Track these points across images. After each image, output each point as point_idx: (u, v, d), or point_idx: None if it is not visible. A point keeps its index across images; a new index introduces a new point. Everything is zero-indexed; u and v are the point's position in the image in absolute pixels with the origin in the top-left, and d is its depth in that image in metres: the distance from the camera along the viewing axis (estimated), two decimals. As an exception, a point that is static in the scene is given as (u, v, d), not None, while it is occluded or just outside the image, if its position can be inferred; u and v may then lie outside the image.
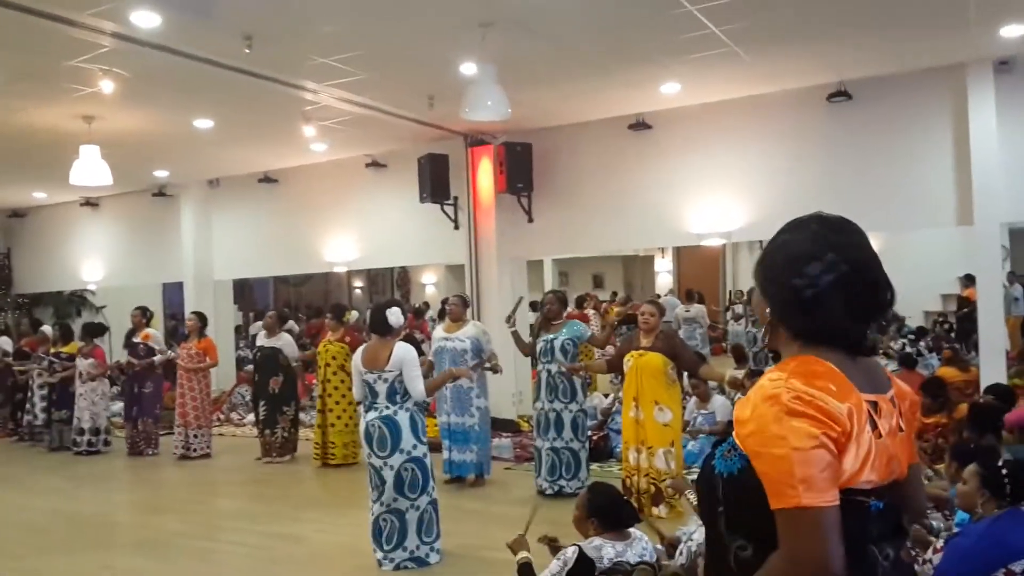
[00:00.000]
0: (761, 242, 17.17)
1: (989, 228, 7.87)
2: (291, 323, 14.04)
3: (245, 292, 18.28)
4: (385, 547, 5.08)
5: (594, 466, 7.48)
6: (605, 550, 3.38)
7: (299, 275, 18.35)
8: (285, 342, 9.03)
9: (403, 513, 5.06)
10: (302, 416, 10.20)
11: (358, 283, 21.43)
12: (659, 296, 17.28)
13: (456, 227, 10.86)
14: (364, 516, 6.22)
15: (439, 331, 7.38)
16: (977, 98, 7.78)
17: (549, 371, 6.68)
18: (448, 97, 8.36)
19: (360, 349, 5.34)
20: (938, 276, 15.65)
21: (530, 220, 10.40)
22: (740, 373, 6.28)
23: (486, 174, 10.50)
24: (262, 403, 8.75)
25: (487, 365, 6.88)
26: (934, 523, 4.34)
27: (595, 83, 8.29)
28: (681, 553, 3.58)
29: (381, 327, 5.21)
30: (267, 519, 6.57)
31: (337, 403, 8.34)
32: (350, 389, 8.18)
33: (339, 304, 9.96)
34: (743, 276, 17.56)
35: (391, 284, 21.90)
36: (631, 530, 3.51)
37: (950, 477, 4.16)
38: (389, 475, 5.02)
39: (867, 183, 8.47)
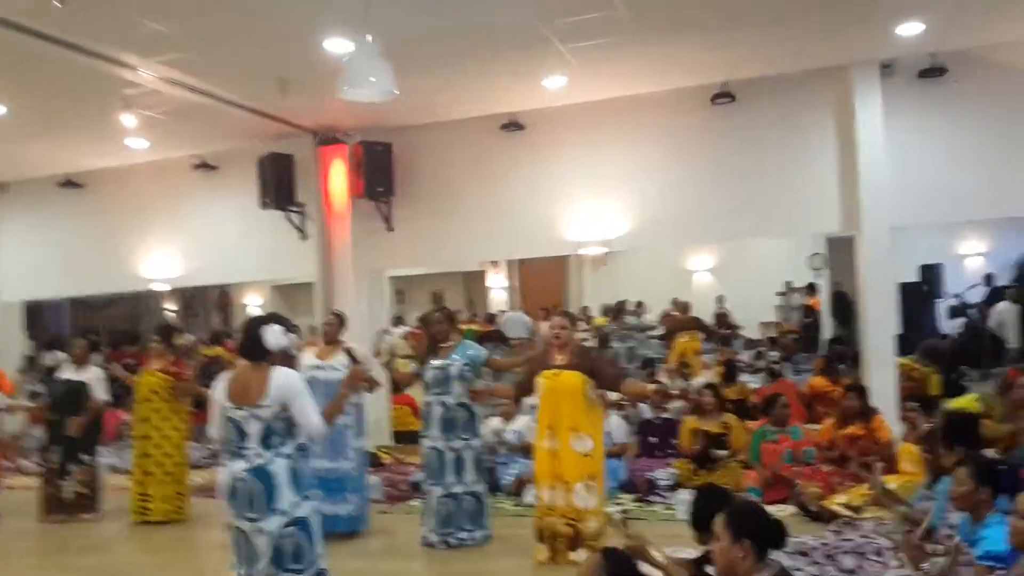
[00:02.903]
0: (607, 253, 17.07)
1: (878, 233, 7.72)
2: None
3: (37, 316, 15.76)
4: (264, 638, 3.88)
5: (506, 502, 6.54)
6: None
7: (102, 296, 16.02)
8: (95, 376, 7.41)
9: (285, 595, 3.88)
10: (115, 461, 8.58)
11: (171, 306, 19.21)
12: (501, 312, 16.62)
13: (304, 237, 9.61)
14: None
15: (309, 357, 6.16)
16: (864, 100, 7.65)
17: (444, 403, 5.66)
18: (305, 81, 7.22)
19: (223, 378, 4.11)
20: (770, 287, 16.02)
21: (390, 229, 9.35)
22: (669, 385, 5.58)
23: (339, 177, 9.35)
24: (55, 448, 7.06)
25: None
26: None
27: (476, 70, 7.42)
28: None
29: (254, 349, 4.02)
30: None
31: (157, 447, 6.84)
32: (175, 429, 6.85)
33: (167, 324, 8.37)
34: (592, 292, 17.21)
35: (208, 307, 19.86)
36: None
37: (963, 495, 3.60)
38: (264, 544, 3.82)
39: (752, 188, 8.17)
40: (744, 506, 3.21)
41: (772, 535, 3.02)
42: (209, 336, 13.49)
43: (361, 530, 6.03)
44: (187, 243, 10.36)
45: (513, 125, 8.84)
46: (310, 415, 3.92)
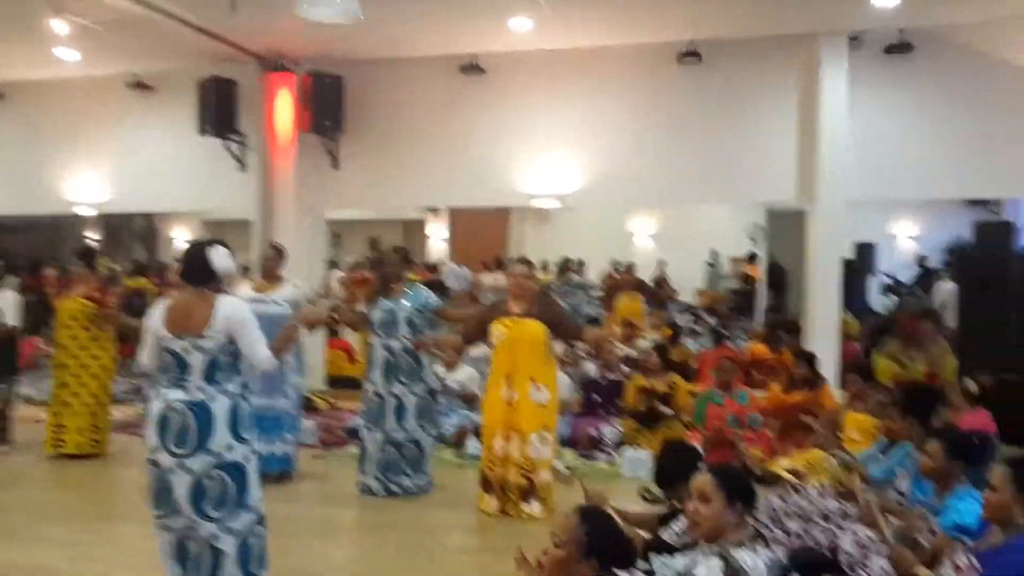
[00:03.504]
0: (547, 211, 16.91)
1: (832, 206, 7.74)
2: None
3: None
4: (192, 580, 3.63)
5: (447, 452, 6.38)
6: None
7: (20, 218, 15.10)
8: (8, 301, 6.92)
9: (210, 540, 3.59)
10: (30, 391, 8.15)
11: (94, 234, 18.32)
12: (443, 264, 16.33)
13: (243, 169, 9.15)
14: (138, 531, 4.67)
15: (245, 291, 5.82)
16: (830, 72, 7.60)
17: (389, 348, 5.41)
18: (258, -1, 6.77)
19: (162, 306, 3.79)
20: (707, 256, 16.15)
21: (336, 167, 8.96)
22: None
23: (285, 108, 8.89)
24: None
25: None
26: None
27: (440, 4, 7.07)
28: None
29: (200, 274, 3.70)
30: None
31: (75, 376, 6.43)
32: (93, 358, 6.45)
33: (88, 248, 7.84)
34: (533, 248, 17.03)
35: (133, 237, 19.02)
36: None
37: (934, 469, 3.57)
38: (182, 483, 3.52)
39: (710, 152, 8.10)
40: (733, 468, 3.12)
41: (753, 497, 2.93)
42: (133, 267, 12.87)
43: (292, 472, 5.79)
44: (116, 167, 9.78)
45: (473, 68, 8.53)
46: (258, 348, 3.64)
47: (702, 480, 2.79)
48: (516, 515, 4.92)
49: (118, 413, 7.16)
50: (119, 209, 10.46)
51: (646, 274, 13.87)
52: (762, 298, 14.51)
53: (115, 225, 18.63)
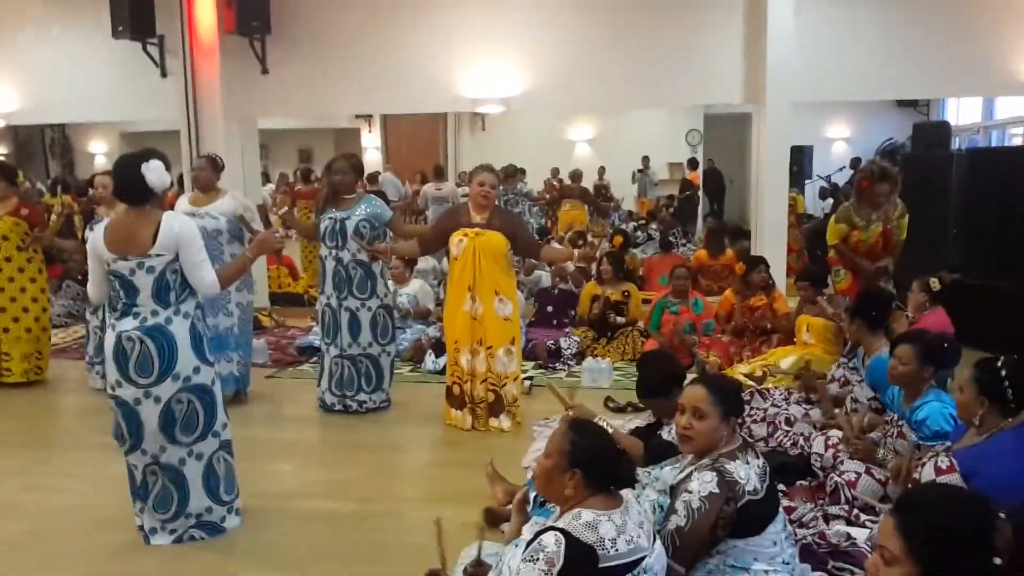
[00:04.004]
0: (482, 117, 16.47)
1: (779, 107, 7.65)
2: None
3: None
4: (157, 513, 3.46)
5: (403, 369, 6.22)
6: (603, 528, 2.24)
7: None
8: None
9: (177, 468, 3.45)
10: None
11: (1, 148, 17.17)
12: (378, 173, 15.87)
13: (164, 75, 8.54)
14: (89, 458, 4.48)
15: (183, 203, 5.47)
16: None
17: (339, 259, 5.18)
18: None
19: (100, 227, 3.48)
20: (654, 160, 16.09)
21: (264, 71, 8.42)
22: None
23: (207, 8, 8.22)
24: None
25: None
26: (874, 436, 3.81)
27: None
28: (676, 511, 2.55)
29: (135, 190, 3.41)
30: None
31: (13, 300, 6.03)
32: (31, 280, 6.08)
33: (6, 163, 7.23)
34: (468, 157, 16.65)
35: (46, 152, 17.92)
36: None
37: (904, 374, 3.59)
38: (152, 412, 3.35)
39: (655, 52, 7.87)
40: (725, 380, 3.06)
41: (742, 407, 2.89)
42: (50, 183, 12.12)
43: (246, 393, 5.60)
44: (25, 74, 9.01)
45: (411, -36, 8.02)
46: (203, 271, 3.40)
47: (696, 394, 2.71)
48: (484, 429, 4.86)
49: (55, 338, 6.80)
50: (29, 120, 9.67)
51: (586, 182, 13.75)
52: (702, 204, 14.60)
53: (24, 137, 17.52)
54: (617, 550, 2.21)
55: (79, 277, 7.91)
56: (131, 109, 9.22)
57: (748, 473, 2.58)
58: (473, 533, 2.91)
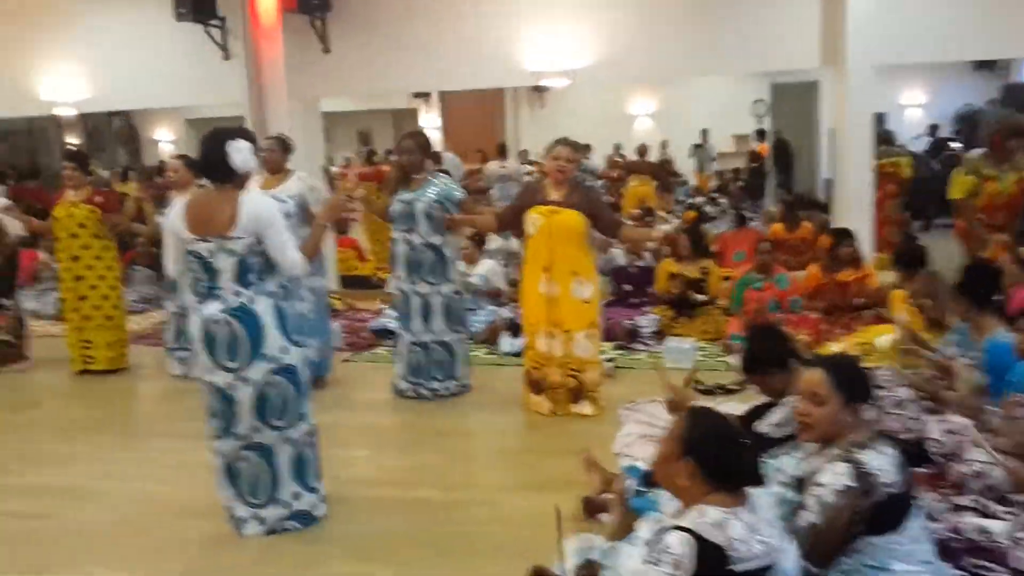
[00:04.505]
0: (541, 94, 16.19)
1: (861, 70, 7.26)
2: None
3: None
4: (250, 501, 3.37)
5: (478, 351, 5.99)
6: (733, 528, 2.04)
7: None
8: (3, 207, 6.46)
9: (270, 450, 3.36)
10: (35, 305, 7.78)
11: (73, 139, 17.49)
12: (440, 154, 15.70)
13: (227, 57, 8.50)
14: (171, 446, 4.43)
15: (252, 186, 5.37)
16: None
17: (410, 242, 5.03)
18: None
19: (180, 205, 3.40)
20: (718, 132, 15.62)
21: (326, 51, 8.32)
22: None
23: (267, -16, 8.15)
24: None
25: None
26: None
27: None
28: (808, 507, 2.34)
29: (217, 168, 3.30)
30: (15, 465, 4.44)
31: (93, 287, 6.04)
32: (108, 268, 6.07)
33: (79, 151, 7.27)
34: (528, 134, 16.39)
35: (114, 140, 18.20)
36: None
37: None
38: (246, 395, 3.27)
39: (726, 18, 7.54)
40: (847, 360, 2.82)
41: (870, 392, 2.65)
42: (122, 172, 12.27)
43: (326, 377, 5.51)
44: (91, 62, 9.07)
45: (472, -65, 7.81)
46: (287, 250, 3.30)
47: (814, 378, 2.49)
48: (565, 415, 4.68)
49: (132, 324, 6.83)
50: (100, 108, 9.74)
51: (650, 157, 13.40)
52: (772, 176, 14.11)
53: (92, 127, 17.80)
54: (751, 551, 2.02)
55: (150, 263, 7.95)
56: (195, 93, 9.24)
57: (883, 463, 2.35)
58: (574, 524, 2.75)
